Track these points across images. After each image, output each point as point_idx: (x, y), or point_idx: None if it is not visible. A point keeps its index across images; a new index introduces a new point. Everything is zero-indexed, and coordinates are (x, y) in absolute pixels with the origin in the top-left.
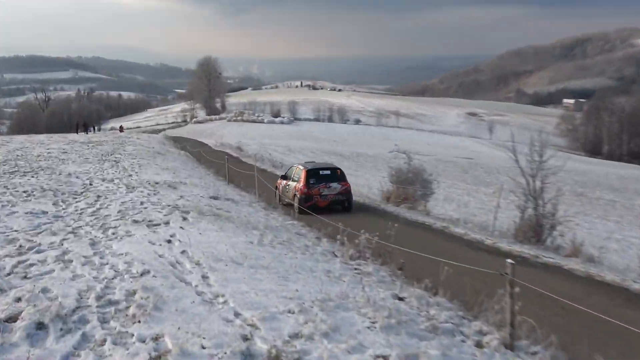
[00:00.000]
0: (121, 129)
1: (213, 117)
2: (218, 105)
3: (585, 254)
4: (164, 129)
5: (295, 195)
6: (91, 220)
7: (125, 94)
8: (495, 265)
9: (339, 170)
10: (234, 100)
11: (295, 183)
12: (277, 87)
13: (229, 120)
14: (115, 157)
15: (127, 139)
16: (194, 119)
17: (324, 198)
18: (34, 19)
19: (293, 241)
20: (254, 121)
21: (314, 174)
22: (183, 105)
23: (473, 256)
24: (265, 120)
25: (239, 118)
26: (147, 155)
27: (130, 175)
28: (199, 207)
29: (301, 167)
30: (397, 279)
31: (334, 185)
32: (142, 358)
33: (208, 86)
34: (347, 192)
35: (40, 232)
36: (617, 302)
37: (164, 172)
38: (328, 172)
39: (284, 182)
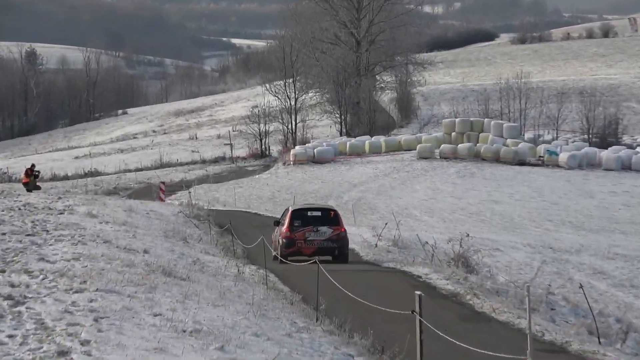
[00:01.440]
0: (29, 174)
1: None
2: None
3: None
4: (187, 182)
5: (278, 241)
6: None
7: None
8: None
9: (332, 212)
10: (444, 79)
11: (281, 227)
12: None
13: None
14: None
15: (55, 216)
16: (310, 147)
17: (310, 244)
18: None
19: None
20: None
21: (299, 215)
22: (255, 92)
23: None
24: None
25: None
26: (122, 282)
27: None
28: None
29: (290, 208)
30: None
31: (324, 229)
32: None
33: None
34: (340, 239)
35: None
36: None
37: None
38: (318, 213)
39: (276, 229)
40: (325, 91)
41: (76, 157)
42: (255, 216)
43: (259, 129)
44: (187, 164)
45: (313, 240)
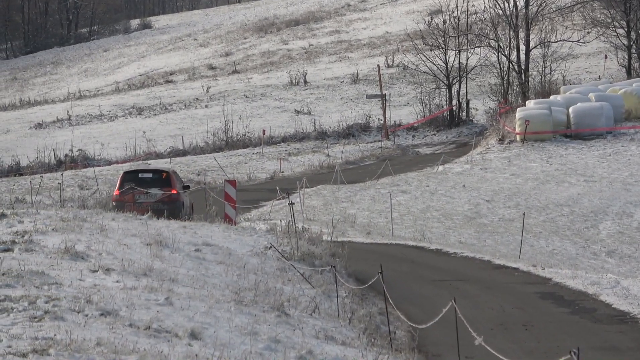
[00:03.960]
0: None
1: None
2: None
3: None
4: (285, 181)
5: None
6: None
7: None
8: None
9: (164, 174)
10: None
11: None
12: None
13: None
14: None
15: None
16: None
17: (139, 206)
18: None
19: None
20: None
21: (131, 178)
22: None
23: None
24: None
25: None
26: None
27: None
28: None
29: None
30: None
31: (154, 191)
32: None
33: None
34: (171, 201)
35: None
36: None
37: None
38: (150, 175)
39: None
40: None
41: (38, 125)
42: (436, 256)
43: (447, 62)
44: (286, 139)
45: (142, 202)
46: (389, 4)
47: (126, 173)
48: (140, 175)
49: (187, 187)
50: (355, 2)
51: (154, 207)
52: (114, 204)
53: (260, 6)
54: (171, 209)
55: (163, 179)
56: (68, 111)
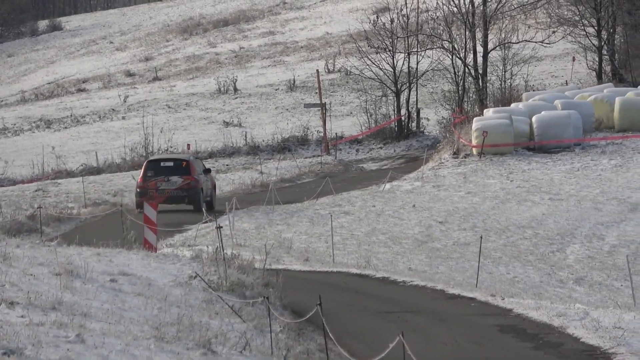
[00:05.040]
0: None
1: None
2: None
3: None
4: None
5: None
6: None
7: None
8: None
9: (184, 162)
10: None
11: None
12: None
13: None
14: None
15: None
16: None
17: (161, 193)
18: None
19: None
20: None
21: (153, 166)
22: None
23: None
24: None
25: None
26: None
27: None
28: None
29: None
30: None
31: (175, 179)
32: None
33: None
34: (190, 188)
35: None
36: None
37: None
38: (171, 163)
39: None
40: None
41: None
42: (383, 285)
43: (394, 67)
44: (214, 155)
45: (164, 189)
46: (330, 1)
47: (149, 162)
48: (162, 164)
49: (208, 170)
50: (292, 0)
51: (174, 194)
52: (138, 190)
53: (185, 4)
54: (190, 195)
55: (183, 167)
56: None
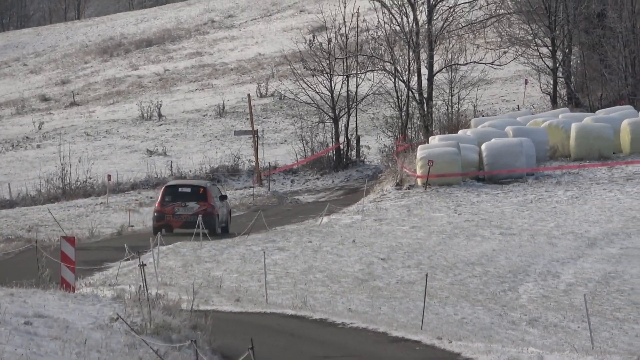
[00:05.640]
0: None
1: None
2: None
3: None
4: (136, 237)
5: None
6: None
7: None
8: None
9: (201, 189)
10: None
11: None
12: None
13: None
14: None
15: None
16: None
17: (177, 218)
18: None
19: None
20: None
21: (171, 191)
22: None
23: None
24: None
25: None
26: None
27: None
28: None
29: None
30: None
31: (192, 204)
32: None
33: None
34: (206, 214)
35: None
36: None
37: None
38: (188, 189)
39: None
40: None
41: None
42: (321, 328)
43: (332, 90)
44: (137, 186)
45: (181, 214)
46: (262, 19)
47: (167, 187)
48: (180, 189)
49: (225, 196)
50: (221, 18)
51: (191, 220)
52: (155, 214)
53: (105, 23)
54: (206, 221)
55: (200, 193)
56: None
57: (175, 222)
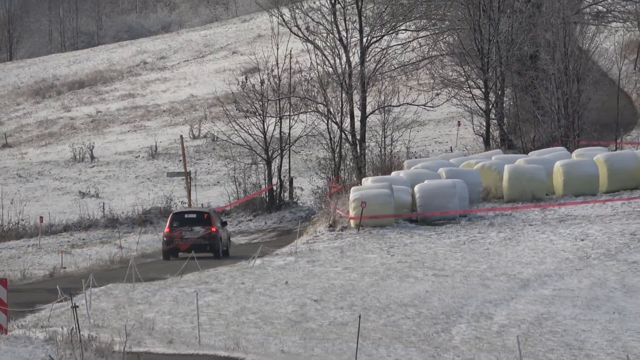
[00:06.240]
0: None
1: None
2: None
3: None
4: (69, 279)
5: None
6: None
7: None
8: None
9: (205, 214)
10: None
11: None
12: None
13: None
14: None
15: None
16: None
17: (185, 241)
18: None
19: None
20: None
21: (178, 217)
22: (252, 31)
23: None
24: None
25: None
26: None
27: None
28: None
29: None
30: None
31: (197, 228)
32: None
33: None
34: (211, 237)
35: None
36: None
37: None
38: (194, 215)
39: None
40: (434, 27)
41: None
42: None
43: (265, 132)
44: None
45: (188, 238)
46: (194, 61)
47: (175, 214)
48: (186, 215)
49: (225, 223)
50: (153, 59)
51: (197, 242)
52: (165, 239)
53: (37, 64)
54: (211, 243)
55: (205, 218)
56: None
57: (183, 245)
